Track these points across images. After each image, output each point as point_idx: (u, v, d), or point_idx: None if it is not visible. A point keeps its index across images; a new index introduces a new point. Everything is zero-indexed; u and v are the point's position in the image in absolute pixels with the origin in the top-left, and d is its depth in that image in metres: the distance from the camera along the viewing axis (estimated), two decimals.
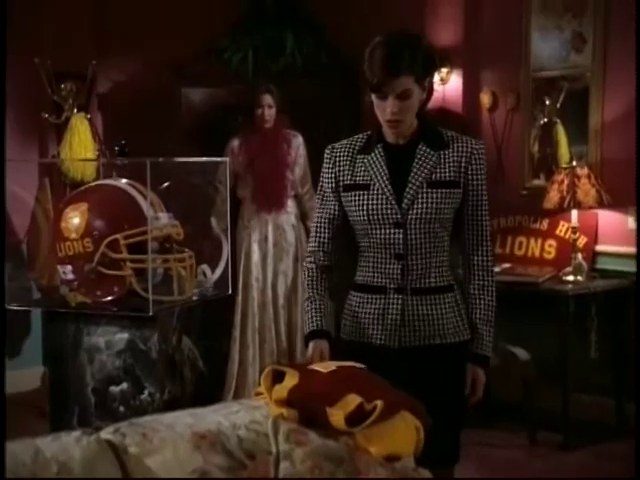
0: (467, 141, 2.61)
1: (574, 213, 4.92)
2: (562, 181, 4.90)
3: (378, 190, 2.56)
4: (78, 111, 5.58)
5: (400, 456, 2.13)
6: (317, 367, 2.28)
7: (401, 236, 2.54)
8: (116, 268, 3.42)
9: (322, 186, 2.70)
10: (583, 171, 4.89)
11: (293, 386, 2.11)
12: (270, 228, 5.32)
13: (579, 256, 4.90)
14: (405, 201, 2.54)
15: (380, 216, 2.54)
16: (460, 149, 2.59)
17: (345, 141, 2.70)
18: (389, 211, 2.54)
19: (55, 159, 5.62)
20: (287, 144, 5.35)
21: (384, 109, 2.51)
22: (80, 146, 5.46)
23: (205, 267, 3.79)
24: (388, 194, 2.55)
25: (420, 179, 2.55)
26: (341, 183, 2.63)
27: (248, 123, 5.30)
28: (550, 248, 5.20)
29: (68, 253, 3.46)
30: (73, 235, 3.45)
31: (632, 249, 4.82)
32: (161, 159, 3.67)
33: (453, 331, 2.61)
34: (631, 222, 4.89)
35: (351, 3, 6.19)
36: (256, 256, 5.31)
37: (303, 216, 5.46)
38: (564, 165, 5.04)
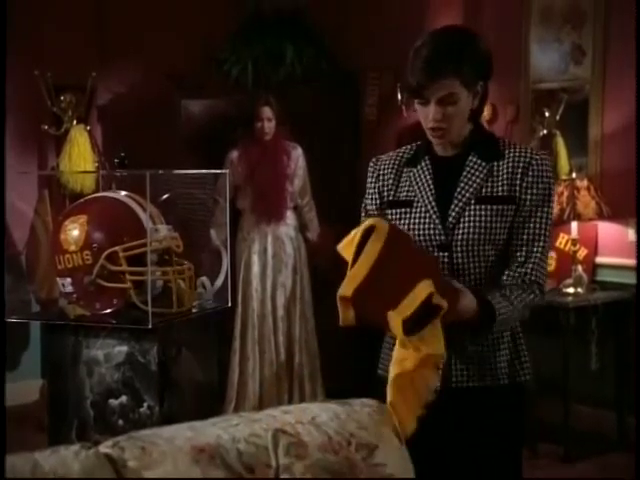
0: (526, 150, 2.30)
1: (574, 225, 4.91)
2: (562, 193, 4.89)
3: (421, 207, 2.29)
4: (78, 123, 5.58)
5: (440, 359, 2.12)
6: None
7: (446, 260, 2.26)
8: (115, 280, 3.41)
9: (365, 204, 2.41)
10: (583, 183, 4.88)
11: (362, 281, 2.08)
12: (269, 239, 5.32)
13: (579, 268, 4.89)
14: (450, 219, 2.26)
15: (423, 237, 2.27)
16: (516, 159, 2.27)
17: (391, 153, 2.41)
18: (432, 231, 2.27)
19: (54, 171, 5.62)
20: (287, 156, 5.36)
21: (426, 116, 2.25)
22: (79, 158, 5.47)
23: (205, 279, 3.78)
24: (432, 212, 2.27)
25: (467, 194, 2.26)
26: (385, 199, 2.36)
27: (248, 134, 5.31)
28: (550, 260, 5.19)
29: (67, 265, 3.45)
30: (72, 247, 3.44)
31: (632, 261, 4.81)
32: (161, 171, 3.67)
33: (507, 371, 2.31)
34: (631, 234, 4.89)
35: (351, 13, 6.20)
36: (256, 267, 5.31)
37: (303, 228, 5.47)
38: (564, 177, 5.04)
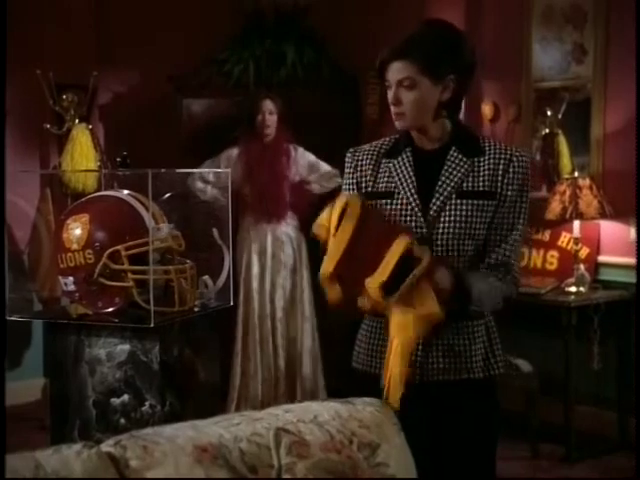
0: (507, 148, 2.33)
1: (576, 224, 4.91)
2: (564, 192, 4.89)
3: (402, 199, 2.30)
4: (79, 122, 5.58)
5: (437, 317, 2.15)
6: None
7: None
8: (117, 279, 3.41)
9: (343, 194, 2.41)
10: (585, 182, 4.88)
11: (341, 257, 2.16)
12: (269, 240, 5.30)
13: (581, 267, 4.89)
14: (431, 212, 2.27)
15: None
16: (497, 156, 2.31)
17: (369, 144, 2.43)
18: (414, 223, 2.27)
19: (56, 170, 5.62)
20: (286, 156, 5.33)
21: (389, 99, 2.31)
22: (81, 157, 5.46)
23: (207, 278, 3.77)
24: (414, 204, 2.28)
25: (449, 188, 2.28)
26: (363, 190, 2.36)
27: (248, 132, 5.29)
28: (552, 259, 5.19)
29: (69, 264, 3.45)
30: (74, 246, 3.44)
31: (635, 260, 4.80)
32: (163, 170, 3.67)
33: (482, 364, 2.34)
34: (633, 233, 4.88)
35: (351, 13, 6.20)
36: (256, 268, 5.30)
37: (304, 228, 5.45)
38: (566, 176, 5.03)
